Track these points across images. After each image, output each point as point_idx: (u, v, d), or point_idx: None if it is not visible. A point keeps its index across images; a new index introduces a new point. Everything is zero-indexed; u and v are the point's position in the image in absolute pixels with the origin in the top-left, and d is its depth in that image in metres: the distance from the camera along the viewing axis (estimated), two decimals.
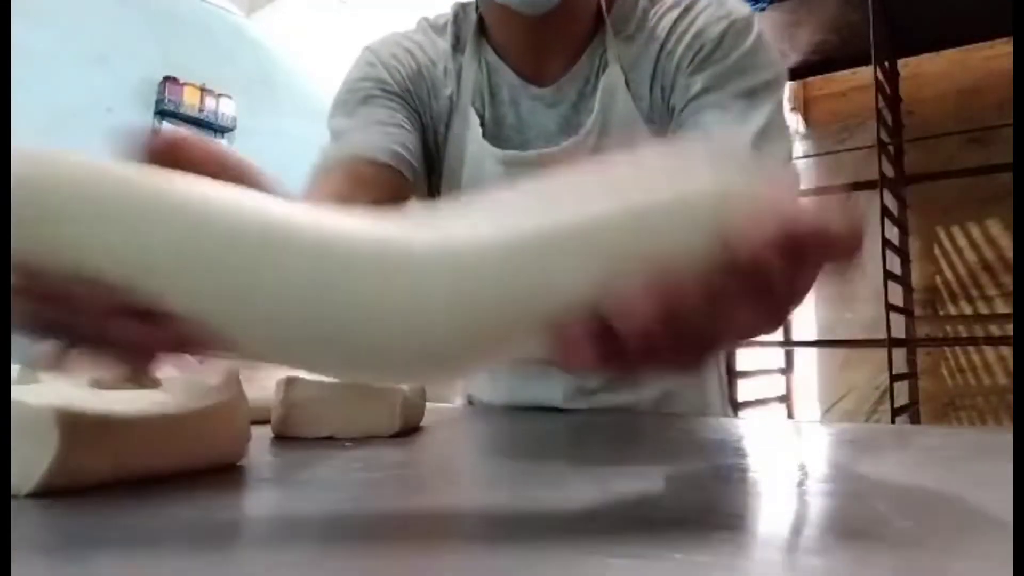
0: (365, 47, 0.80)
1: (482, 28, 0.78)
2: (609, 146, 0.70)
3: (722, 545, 0.23)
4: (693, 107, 0.68)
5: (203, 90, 3.42)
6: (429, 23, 0.81)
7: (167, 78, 3.30)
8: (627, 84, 0.72)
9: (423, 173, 0.77)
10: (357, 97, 0.76)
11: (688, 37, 0.70)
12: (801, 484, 0.35)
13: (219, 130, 3.50)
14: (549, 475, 0.37)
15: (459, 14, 0.80)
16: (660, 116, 0.72)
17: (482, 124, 0.76)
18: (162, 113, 3.30)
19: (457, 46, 0.78)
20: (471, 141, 0.76)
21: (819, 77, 3.29)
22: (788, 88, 3.39)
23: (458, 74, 0.77)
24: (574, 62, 0.74)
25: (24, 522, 0.26)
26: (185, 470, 0.36)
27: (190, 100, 3.37)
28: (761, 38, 0.69)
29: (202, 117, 3.42)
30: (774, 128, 0.66)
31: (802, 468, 0.41)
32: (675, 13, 0.72)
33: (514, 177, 0.75)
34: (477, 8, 0.78)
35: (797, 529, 0.27)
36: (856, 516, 0.28)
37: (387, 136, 0.72)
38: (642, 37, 0.73)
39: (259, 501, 0.35)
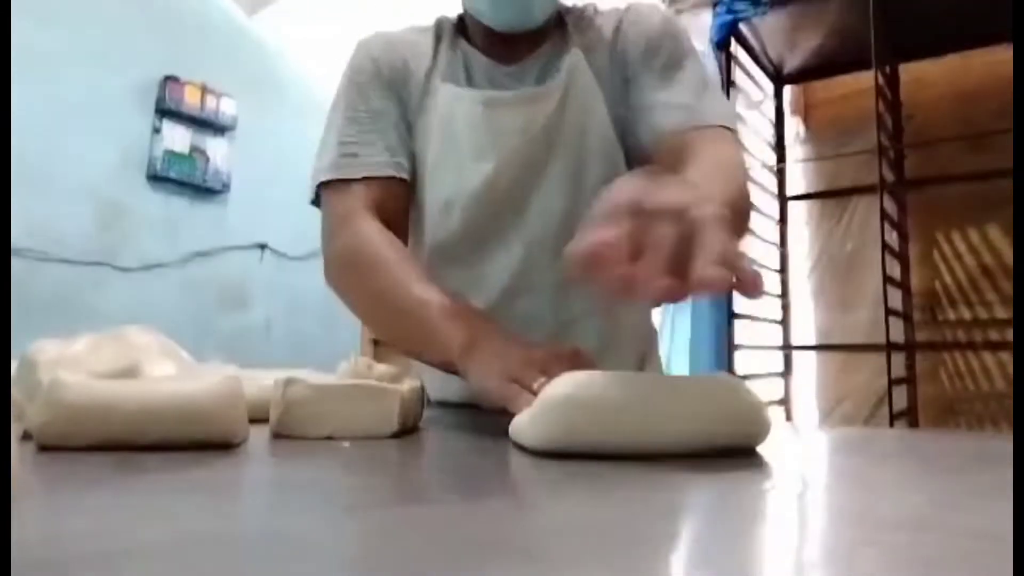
0: (359, 42, 0.93)
1: (460, 28, 0.93)
2: (572, 110, 0.86)
3: (719, 555, 0.23)
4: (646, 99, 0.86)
5: (204, 89, 3.42)
6: (414, 27, 0.95)
7: (168, 77, 3.30)
8: (591, 65, 0.87)
9: (409, 151, 0.89)
10: (355, 88, 0.89)
11: (633, 33, 0.89)
12: (800, 494, 0.35)
13: (220, 129, 3.50)
14: (547, 480, 0.37)
15: (442, 21, 0.94)
16: (619, 94, 0.87)
17: (463, 85, 0.88)
18: (163, 112, 3.30)
19: (437, 42, 0.91)
20: (445, 95, 0.87)
21: (820, 82, 3.29)
22: (789, 92, 3.39)
23: (435, 57, 0.90)
24: (537, 48, 0.90)
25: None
26: (176, 440, 0.42)
27: (191, 99, 3.37)
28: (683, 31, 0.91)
29: (203, 116, 3.42)
30: (703, 85, 0.86)
31: (801, 476, 0.41)
32: (617, 15, 0.91)
33: (490, 119, 0.85)
34: (461, 16, 0.93)
35: (794, 541, 0.27)
36: (853, 530, 0.28)
37: (385, 144, 0.86)
38: (594, 32, 0.90)
39: (255, 499, 0.35)
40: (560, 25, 0.91)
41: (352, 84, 0.90)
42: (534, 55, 0.89)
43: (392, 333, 0.82)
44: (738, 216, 0.69)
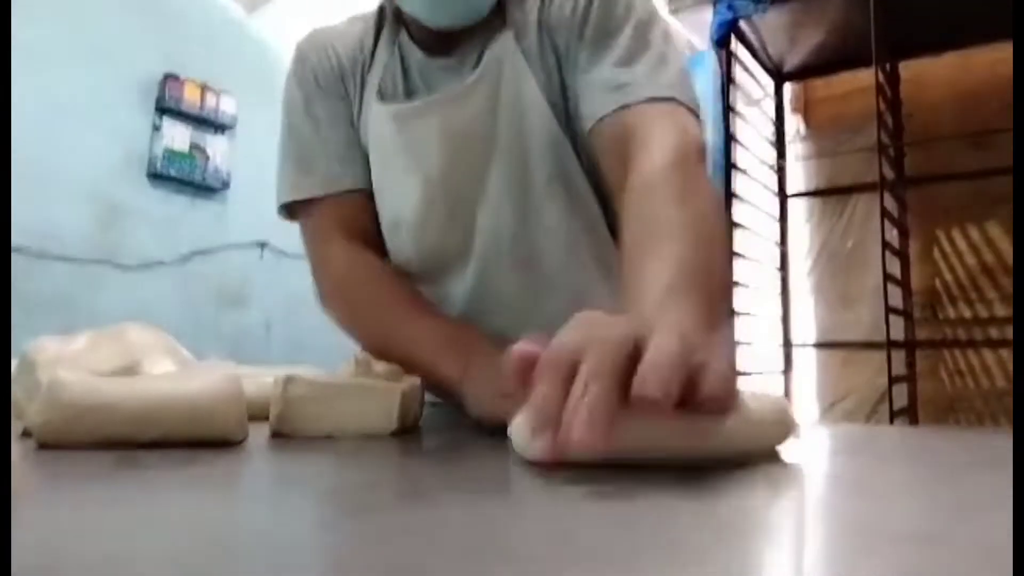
0: (296, 45, 0.90)
1: (399, 16, 0.83)
2: (503, 108, 0.76)
3: (713, 564, 0.23)
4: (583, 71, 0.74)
5: (204, 87, 3.41)
6: (356, 15, 0.89)
7: (168, 75, 3.30)
8: (520, 46, 0.76)
9: (364, 155, 0.83)
10: (298, 99, 0.86)
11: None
12: (800, 499, 0.35)
13: (220, 127, 3.50)
14: (547, 483, 0.37)
15: (384, 7, 0.85)
16: (553, 77, 0.77)
17: (385, 97, 0.81)
18: (163, 110, 3.30)
19: (378, 34, 0.84)
20: (372, 112, 0.81)
21: (820, 79, 3.29)
22: (789, 90, 3.39)
23: (373, 52, 0.84)
24: (475, 34, 0.78)
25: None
26: (176, 438, 0.42)
27: (191, 97, 3.37)
28: None
29: (203, 114, 3.42)
30: (644, 53, 0.71)
31: (801, 480, 0.40)
32: None
33: (405, 133, 0.78)
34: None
35: (793, 551, 0.27)
36: (853, 539, 0.28)
37: (336, 155, 0.83)
38: (528, 2, 0.78)
39: (254, 500, 0.35)
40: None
41: (293, 96, 0.87)
42: (472, 41, 0.78)
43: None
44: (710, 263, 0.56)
